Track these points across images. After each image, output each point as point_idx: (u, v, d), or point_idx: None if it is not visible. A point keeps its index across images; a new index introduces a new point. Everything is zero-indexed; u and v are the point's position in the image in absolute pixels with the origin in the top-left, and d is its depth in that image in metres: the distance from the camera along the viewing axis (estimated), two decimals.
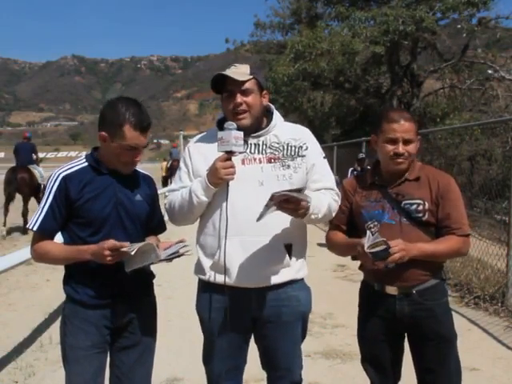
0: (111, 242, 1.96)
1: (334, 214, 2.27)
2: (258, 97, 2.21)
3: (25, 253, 4.09)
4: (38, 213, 2.10)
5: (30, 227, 2.10)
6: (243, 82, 2.16)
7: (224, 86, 2.20)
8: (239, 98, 2.16)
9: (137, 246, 1.97)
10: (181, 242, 2.10)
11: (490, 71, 17.66)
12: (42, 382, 3.60)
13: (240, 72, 2.18)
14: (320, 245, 7.29)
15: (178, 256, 2.07)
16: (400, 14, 15.52)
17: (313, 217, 2.12)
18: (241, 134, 2.06)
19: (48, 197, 2.09)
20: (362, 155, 9.78)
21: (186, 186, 2.25)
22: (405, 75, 18.14)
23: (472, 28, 16.81)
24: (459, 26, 17.54)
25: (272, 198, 1.93)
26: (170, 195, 2.32)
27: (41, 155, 13.13)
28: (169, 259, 2.05)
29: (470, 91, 17.74)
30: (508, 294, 5.15)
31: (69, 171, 2.12)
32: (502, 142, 9.79)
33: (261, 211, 1.97)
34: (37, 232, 2.11)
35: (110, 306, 2.13)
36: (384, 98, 18.85)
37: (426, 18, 15.36)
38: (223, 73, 2.17)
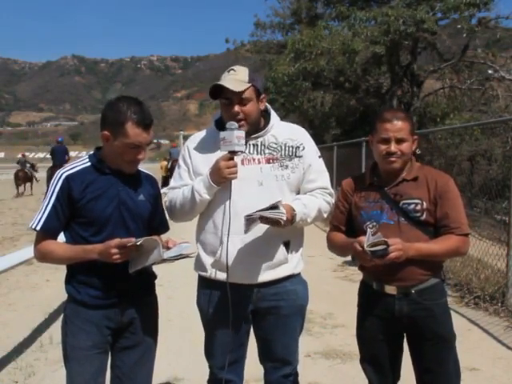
0: (117, 240, 1.96)
1: (325, 215, 2.33)
2: (255, 104, 2.23)
3: (25, 253, 4.09)
4: (40, 212, 2.08)
5: (33, 227, 2.08)
6: (241, 92, 2.16)
7: (222, 93, 2.20)
8: (237, 108, 2.17)
9: (142, 238, 1.98)
10: (185, 243, 2.11)
11: (490, 71, 17.67)
12: (42, 382, 3.60)
13: (238, 79, 2.17)
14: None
15: (182, 258, 2.08)
16: (401, 14, 15.52)
17: (301, 223, 2.21)
18: (242, 133, 2.11)
19: (51, 196, 2.08)
20: None
21: (187, 184, 2.28)
22: (405, 75, 18.14)
23: (472, 28, 16.81)
24: (459, 26, 17.52)
25: (246, 220, 2.02)
26: (170, 193, 2.34)
27: (41, 155, 14.46)
28: (171, 260, 2.05)
29: (470, 91, 17.74)
30: (508, 293, 5.15)
31: (71, 171, 2.12)
32: (502, 142, 9.79)
33: (244, 229, 2.06)
34: (40, 231, 2.09)
35: (111, 307, 2.13)
36: (384, 98, 18.85)
37: (426, 19, 15.36)
38: (221, 83, 2.16)
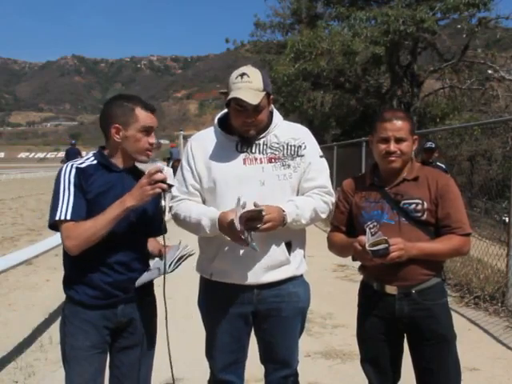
0: (144, 178, 1.98)
1: (323, 216, 2.29)
2: (267, 109, 2.21)
3: (25, 253, 4.10)
4: (63, 203, 2.01)
5: (62, 217, 1.99)
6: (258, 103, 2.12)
7: (234, 98, 2.13)
8: (251, 116, 2.15)
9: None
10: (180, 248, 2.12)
11: (489, 71, 17.70)
12: (41, 382, 3.60)
13: (253, 88, 2.12)
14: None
15: (184, 260, 2.11)
16: (400, 14, 15.53)
17: (294, 224, 2.17)
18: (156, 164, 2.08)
19: (69, 187, 2.04)
20: (430, 144, 7.66)
21: (192, 192, 2.26)
22: (405, 75, 18.17)
23: (472, 28, 16.85)
24: (459, 26, 17.58)
25: (240, 221, 1.97)
26: (176, 206, 2.28)
27: (41, 155, 14.57)
28: (174, 268, 2.09)
29: (470, 91, 17.79)
30: (508, 293, 5.15)
31: (80, 165, 2.12)
32: (502, 142, 9.80)
33: (248, 242, 2.02)
34: (71, 220, 2.00)
35: (110, 307, 2.13)
36: (384, 98, 18.88)
37: (426, 19, 15.37)
38: (239, 96, 2.10)
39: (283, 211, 2.11)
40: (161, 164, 2.08)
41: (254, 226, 2.02)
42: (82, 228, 2.00)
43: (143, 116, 2.09)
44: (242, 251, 2.17)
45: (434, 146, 7.55)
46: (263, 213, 2.00)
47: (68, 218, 2.00)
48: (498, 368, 3.87)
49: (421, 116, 17.73)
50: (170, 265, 2.08)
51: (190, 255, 2.14)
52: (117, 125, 2.09)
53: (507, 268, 5.18)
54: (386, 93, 19.08)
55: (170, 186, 2.03)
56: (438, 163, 7.33)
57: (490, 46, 19.99)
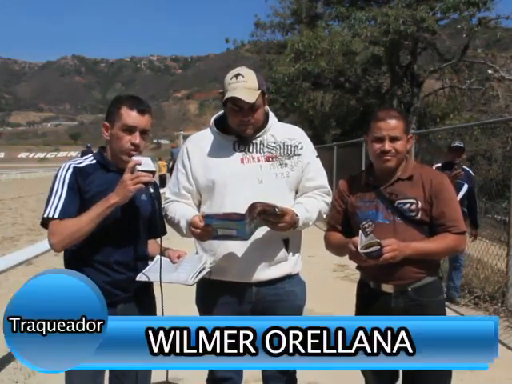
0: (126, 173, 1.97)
1: (325, 216, 2.36)
2: (263, 109, 2.25)
3: (25, 253, 4.10)
4: (54, 202, 2.04)
5: (50, 215, 2.01)
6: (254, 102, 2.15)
7: (230, 99, 2.17)
8: (248, 115, 2.18)
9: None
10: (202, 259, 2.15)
11: (489, 71, 17.70)
12: (41, 382, 3.60)
13: (249, 87, 2.15)
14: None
15: (202, 275, 2.12)
16: (400, 13, 15.53)
17: (303, 227, 2.23)
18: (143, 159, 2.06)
19: (62, 186, 2.06)
20: (459, 143, 6.35)
21: (183, 194, 2.29)
22: (405, 75, 18.16)
23: (472, 28, 16.84)
24: (459, 26, 17.58)
25: (252, 207, 1.98)
26: (166, 207, 2.33)
27: (41, 155, 14.17)
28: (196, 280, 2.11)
29: (470, 91, 17.79)
30: (508, 293, 5.16)
31: (79, 165, 2.13)
32: (502, 142, 9.80)
33: (247, 229, 2.02)
34: (58, 218, 2.02)
35: (109, 306, 2.12)
36: (384, 98, 18.88)
37: (426, 18, 15.38)
38: (235, 95, 2.13)
39: (296, 216, 2.15)
40: (139, 157, 2.03)
41: (266, 219, 2.06)
42: (65, 224, 2.01)
43: (127, 115, 2.08)
44: (239, 249, 2.19)
45: (462, 145, 6.29)
46: (277, 210, 2.04)
47: (56, 215, 2.02)
48: (498, 368, 3.87)
49: (421, 116, 17.75)
50: (192, 276, 2.08)
51: (206, 268, 2.16)
52: (105, 123, 2.13)
53: (507, 268, 5.19)
54: (386, 93, 19.09)
55: (153, 173, 2.03)
56: (465, 167, 6.02)
57: (490, 46, 20.02)
